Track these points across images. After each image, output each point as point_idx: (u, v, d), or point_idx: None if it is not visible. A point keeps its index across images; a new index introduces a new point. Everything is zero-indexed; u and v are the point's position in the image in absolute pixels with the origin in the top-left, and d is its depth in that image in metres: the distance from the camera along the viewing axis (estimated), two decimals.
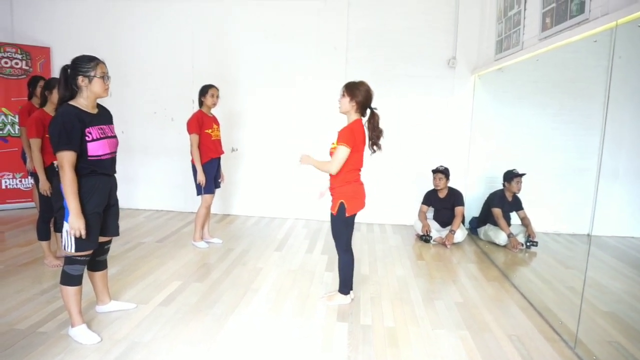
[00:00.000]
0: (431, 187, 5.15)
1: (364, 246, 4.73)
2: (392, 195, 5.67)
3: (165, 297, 3.29)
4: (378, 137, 3.14)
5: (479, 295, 3.52)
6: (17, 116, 5.62)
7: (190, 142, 4.27)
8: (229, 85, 5.66)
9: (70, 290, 2.57)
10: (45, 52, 5.81)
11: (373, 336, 2.81)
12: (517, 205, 4.90)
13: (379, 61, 5.50)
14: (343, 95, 3.07)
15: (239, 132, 5.82)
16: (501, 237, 4.73)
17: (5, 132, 5.66)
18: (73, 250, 2.48)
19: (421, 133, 5.56)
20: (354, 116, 3.08)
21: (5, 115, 5.65)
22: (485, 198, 5.08)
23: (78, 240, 2.45)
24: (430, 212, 5.21)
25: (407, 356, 2.59)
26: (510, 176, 4.76)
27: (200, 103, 4.38)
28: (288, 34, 5.61)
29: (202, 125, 4.29)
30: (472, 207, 5.33)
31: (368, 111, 3.13)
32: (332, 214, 3.15)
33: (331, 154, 3.09)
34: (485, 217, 5.01)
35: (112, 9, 5.81)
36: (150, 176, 6.04)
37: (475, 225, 5.19)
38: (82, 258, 2.55)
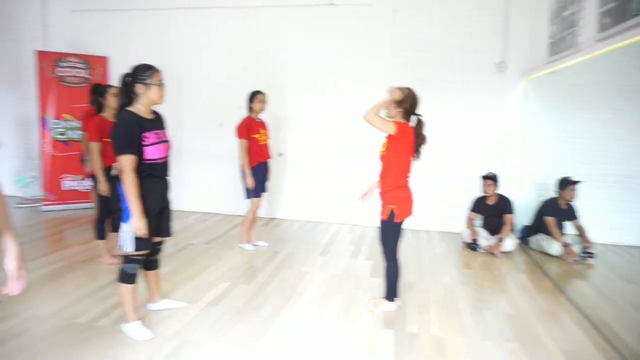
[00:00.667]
0: (480, 194, 5.02)
1: (410, 253, 4.66)
2: (439, 202, 5.56)
3: (213, 298, 3.38)
4: (420, 144, 3.12)
5: (530, 307, 3.39)
6: (78, 122, 5.96)
7: (239, 146, 4.38)
8: (276, 91, 5.75)
9: (127, 287, 2.69)
10: (103, 61, 6.13)
11: (420, 345, 2.77)
12: (571, 214, 4.70)
13: (425, 66, 5.43)
14: (390, 100, 3.06)
15: (286, 136, 5.90)
16: (554, 247, 4.54)
17: (66, 136, 6.01)
18: (131, 250, 2.60)
19: (469, 139, 5.43)
20: (400, 122, 3.06)
21: (67, 120, 5.99)
22: (537, 206, 4.90)
23: (136, 240, 2.57)
24: (478, 220, 5.07)
25: None
26: (565, 183, 4.56)
27: (249, 109, 4.48)
28: (334, 40, 5.65)
29: (250, 130, 4.39)
30: (522, 215, 5.15)
31: (413, 118, 3.10)
32: (381, 220, 3.13)
33: (381, 157, 3.10)
34: (538, 225, 4.83)
35: (164, 19, 6.06)
36: (200, 179, 6.22)
37: (526, 234, 5.01)
38: (138, 257, 2.67)
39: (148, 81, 2.61)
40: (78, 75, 5.99)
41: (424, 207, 5.50)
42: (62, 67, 5.89)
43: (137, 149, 2.53)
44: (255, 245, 4.69)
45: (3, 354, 2.47)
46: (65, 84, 5.94)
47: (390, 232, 3.12)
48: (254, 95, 4.45)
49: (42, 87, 5.84)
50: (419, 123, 3.12)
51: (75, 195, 6.08)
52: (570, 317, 3.24)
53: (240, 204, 5.83)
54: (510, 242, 4.73)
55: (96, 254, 4.18)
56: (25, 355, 2.49)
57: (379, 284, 3.70)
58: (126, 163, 2.49)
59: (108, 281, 3.60)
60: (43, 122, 5.90)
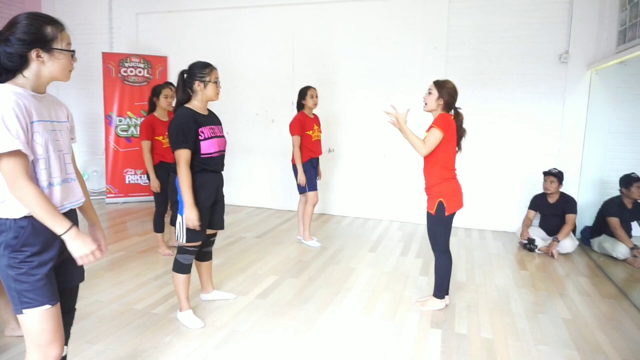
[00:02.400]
0: (539, 191, 4.78)
1: (460, 252, 4.54)
2: (494, 199, 5.36)
3: (262, 290, 3.46)
4: (461, 138, 3.07)
5: (591, 313, 3.19)
6: (139, 119, 6.29)
7: (293, 143, 4.43)
8: (328, 87, 5.77)
9: (181, 277, 2.82)
10: (163, 61, 6.41)
11: (468, 346, 2.69)
12: (638, 214, 4.38)
13: (482, 59, 5.23)
14: (430, 92, 3.02)
15: (337, 133, 5.91)
16: (620, 250, 4.26)
17: (129, 133, 6.35)
18: (184, 241, 2.71)
19: (529, 134, 5.18)
20: (441, 116, 3.00)
21: (130, 118, 6.33)
22: (600, 205, 4.61)
23: (189, 231, 2.68)
24: (536, 219, 4.84)
25: None
26: (629, 181, 4.26)
27: (301, 105, 4.49)
28: (386, 34, 5.58)
29: (303, 127, 4.41)
30: (584, 215, 4.87)
31: (452, 111, 3.06)
32: (429, 214, 3.07)
33: None
34: (600, 226, 4.54)
35: (220, 19, 6.24)
36: (252, 175, 6.37)
37: (588, 235, 4.73)
38: (192, 248, 2.78)
39: (205, 78, 2.70)
40: (140, 74, 6.30)
41: (478, 204, 5.36)
42: (126, 67, 6.22)
43: (192, 143, 2.63)
44: (303, 242, 4.71)
45: (78, 330, 2.65)
46: (129, 83, 6.27)
47: (439, 226, 3.05)
48: (305, 91, 4.45)
49: (107, 86, 6.20)
50: (458, 116, 3.05)
51: (136, 189, 6.41)
52: (635, 325, 3.03)
53: (291, 199, 5.94)
54: (570, 244, 4.47)
55: (154, 245, 4.40)
56: (88, 337, 2.67)
57: (428, 282, 3.64)
58: (181, 157, 2.60)
59: (164, 271, 3.78)
60: (107, 119, 6.27)
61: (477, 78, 5.25)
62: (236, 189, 6.32)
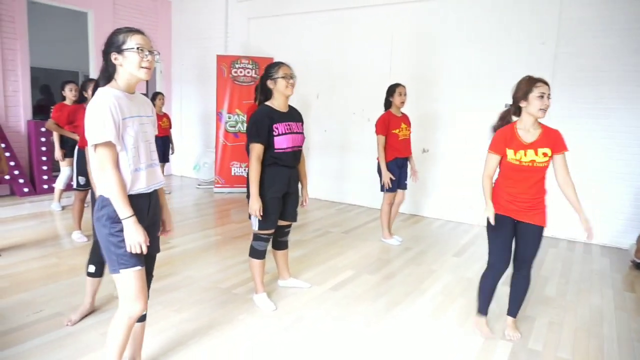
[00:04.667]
0: None
1: (556, 264, 4.18)
2: (606, 210, 4.81)
3: (337, 283, 3.57)
4: None
5: None
6: (245, 115, 6.80)
7: (377, 142, 4.45)
8: (425, 86, 5.68)
9: (256, 262, 3.05)
10: (269, 61, 6.81)
11: None
12: None
13: (598, 55, 4.72)
14: (549, 96, 2.56)
15: (433, 133, 5.78)
16: None
17: (236, 128, 6.90)
18: (256, 229, 2.94)
19: None
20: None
21: (238, 114, 6.88)
22: None
23: (260, 221, 2.89)
24: None
25: None
26: None
27: (389, 103, 4.48)
28: (488, 30, 5.31)
29: (389, 125, 4.40)
30: None
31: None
32: (541, 229, 2.66)
33: (541, 168, 2.60)
34: None
35: (322, 20, 6.47)
36: (347, 172, 6.51)
37: None
38: (264, 236, 3.00)
39: (274, 75, 2.88)
40: (248, 75, 6.81)
41: (587, 214, 4.85)
42: (236, 68, 6.77)
43: (264, 138, 2.83)
44: (390, 239, 4.72)
45: (162, 302, 3.04)
46: (238, 83, 6.81)
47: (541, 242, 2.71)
48: (394, 88, 4.41)
49: (219, 86, 6.81)
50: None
51: (241, 180, 6.94)
52: None
53: (381, 199, 5.95)
54: None
55: (248, 232, 4.76)
56: (176, 306, 3.03)
57: (506, 292, 3.43)
58: (253, 151, 2.82)
59: None
60: (219, 116, 6.88)
61: (590, 76, 4.76)
62: (331, 185, 6.52)
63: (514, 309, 2.82)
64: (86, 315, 2.80)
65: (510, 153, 2.60)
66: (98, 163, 1.80)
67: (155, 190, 2.05)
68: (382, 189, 4.52)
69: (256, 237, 3.01)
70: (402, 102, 4.42)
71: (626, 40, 4.60)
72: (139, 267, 1.89)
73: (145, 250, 1.86)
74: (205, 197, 6.64)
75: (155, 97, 6.46)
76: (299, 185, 3.17)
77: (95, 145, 1.77)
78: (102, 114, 1.76)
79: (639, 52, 4.55)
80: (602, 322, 3.06)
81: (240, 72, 6.78)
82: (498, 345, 2.70)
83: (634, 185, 4.67)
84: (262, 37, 7.13)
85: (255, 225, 2.94)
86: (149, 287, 2.12)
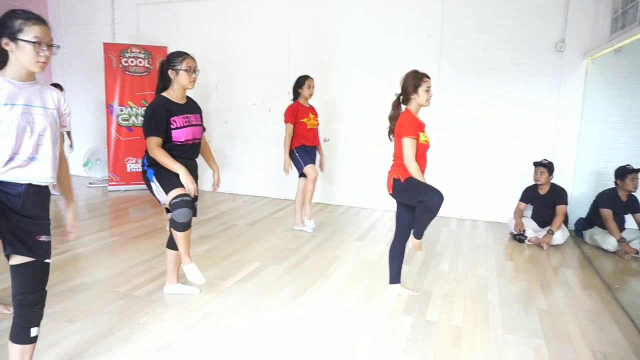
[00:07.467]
0: (533, 182, 4.73)
1: (449, 242, 4.54)
2: (488, 190, 5.32)
3: (243, 276, 3.53)
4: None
5: (569, 304, 3.18)
6: (140, 108, 6.39)
7: (285, 130, 4.48)
8: (324, 77, 5.77)
9: (179, 234, 2.80)
10: (163, 51, 6.47)
11: (436, 333, 2.72)
12: (633, 206, 4.32)
13: (477, 49, 5.17)
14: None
15: (333, 123, 5.92)
16: (610, 242, 4.21)
17: (130, 122, 6.47)
18: (166, 196, 2.75)
19: (523, 124, 5.12)
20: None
21: (131, 107, 6.45)
22: (594, 197, 4.54)
23: (165, 187, 2.76)
24: (528, 211, 4.80)
25: (467, 358, 2.46)
26: (624, 172, 4.19)
27: (297, 94, 4.52)
28: (380, 22, 5.55)
29: (297, 115, 4.45)
30: (578, 207, 4.81)
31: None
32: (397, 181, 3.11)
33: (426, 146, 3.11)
34: (593, 218, 4.48)
35: (219, 9, 6.28)
36: (249, 163, 6.43)
37: (580, 227, 4.67)
38: (179, 199, 2.71)
39: (177, 67, 2.75)
40: (140, 65, 6.40)
41: (471, 194, 5.34)
42: (127, 58, 6.32)
43: (162, 131, 2.69)
44: (298, 229, 4.76)
45: (50, 314, 2.76)
46: (129, 73, 6.37)
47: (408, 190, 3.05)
48: (302, 81, 4.47)
49: (108, 76, 6.31)
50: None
51: (137, 177, 6.52)
52: (613, 318, 3.00)
53: (287, 189, 5.99)
54: (560, 235, 4.43)
55: (147, 231, 4.52)
56: (67, 316, 2.77)
57: (409, 271, 3.67)
58: (153, 143, 2.67)
59: (152, 256, 3.87)
60: (109, 109, 6.39)
61: (470, 68, 5.20)
62: (234, 177, 6.40)
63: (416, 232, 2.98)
64: None
65: (421, 136, 3.00)
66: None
67: (36, 185, 1.85)
68: (301, 169, 4.54)
69: (173, 206, 2.71)
70: (310, 94, 4.53)
71: (498, 35, 5.09)
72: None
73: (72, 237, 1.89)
74: (98, 197, 6.15)
75: None
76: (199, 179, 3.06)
77: None
78: None
79: (510, 46, 5.06)
80: (487, 290, 3.39)
81: (132, 61, 6.34)
82: (399, 321, 2.87)
83: (512, 166, 5.21)
84: (154, 24, 6.73)
85: (162, 196, 2.75)
86: (42, 304, 1.92)
